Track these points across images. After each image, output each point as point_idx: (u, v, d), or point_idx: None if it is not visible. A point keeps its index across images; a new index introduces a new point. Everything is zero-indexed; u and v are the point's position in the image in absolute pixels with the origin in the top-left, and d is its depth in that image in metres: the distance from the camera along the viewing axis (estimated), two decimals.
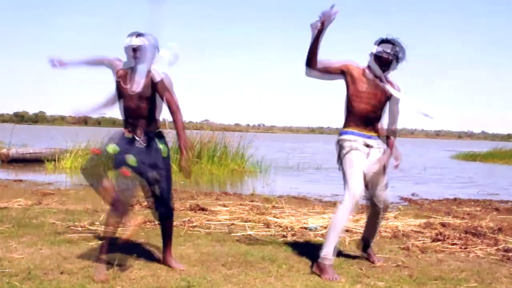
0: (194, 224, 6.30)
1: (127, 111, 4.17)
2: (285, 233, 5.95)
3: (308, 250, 5.20)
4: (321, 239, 5.77)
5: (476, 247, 5.59)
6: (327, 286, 3.97)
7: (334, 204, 8.72)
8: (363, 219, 6.97)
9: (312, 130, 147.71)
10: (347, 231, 6.21)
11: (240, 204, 8.07)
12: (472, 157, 29.57)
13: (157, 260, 4.52)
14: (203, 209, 7.33)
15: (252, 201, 8.63)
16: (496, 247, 5.55)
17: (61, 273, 4.07)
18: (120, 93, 4.18)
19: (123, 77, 4.16)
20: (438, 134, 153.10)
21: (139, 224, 5.68)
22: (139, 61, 4.05)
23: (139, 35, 4.10)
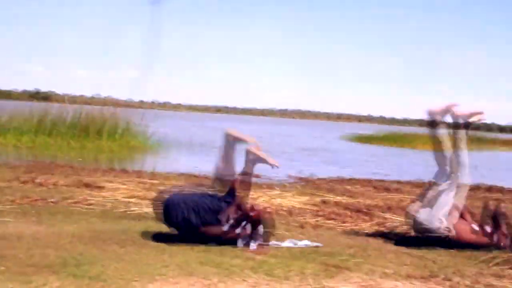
0: (75, 200, 6.13)
1: None
2: None
3: None
4: None
5: (365, 224, 5.86)
6: (207, 261, 4.01)
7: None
8: (261, 197, 7.10)
9: (218, 110, 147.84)
10: None
11: (139, 182, 7.96)
12: (369, 139, 30.86)
13: (47, 239, 4.37)
14: (99, 187, 7.16)
15: (151, 179, 8.54)
16: (384, 225, 5.84)
17: None
18: None
19: None
20: (339, 117, 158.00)
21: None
22: None
23: None
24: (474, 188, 10.04)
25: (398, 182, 10.63)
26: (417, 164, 17.03)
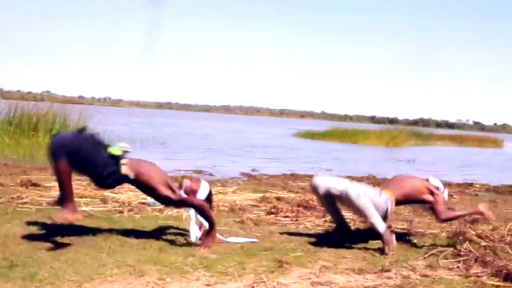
0: (25, 200, 5.95)
1: None
2: (121, 209, 5.84)
3: (144, 225, 5.17)
4: (158, 214, 5.76)
5: (306, 219, 5.92)
6: (159, 260, 3.96)
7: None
8: None
9: (160, 105, 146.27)
10: None
11: (77, 180, 7.75)
12: (311, 135, 31.31)
13: None
14: (35, 185, 6.94)
15: None
16: (323, 219, 5.91)
17: None
18: None
19: None
20: (282, 113, 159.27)
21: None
22: None
23: None
24: None
25: (350, 177, 10.74)
26: (360, 159, 17.39)
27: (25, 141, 14.55)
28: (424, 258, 4.53)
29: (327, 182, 4.98)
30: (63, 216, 4.15)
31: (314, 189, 5.05)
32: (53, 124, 15.39)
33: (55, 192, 6.47)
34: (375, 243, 4.84)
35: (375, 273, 4.02)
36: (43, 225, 4.88)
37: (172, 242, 4.54)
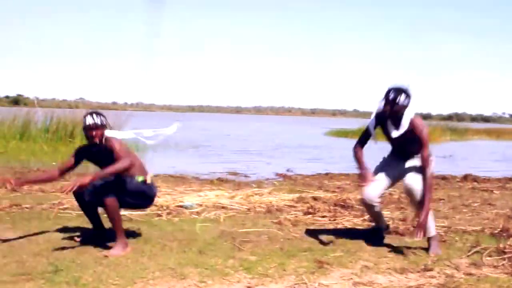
0: (65, 206, 6.05)
1: None
2: (160, 212, 5.89)
3: (183, 228, 5.20)
4: (196, 216, 5.79)
5: (344, 218, 5.88)
6: (200, 263, 3.98)
7: (211, 182, 8.78)
8: (238, 195, 7.09)
9: (192, 108, 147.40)
10: (222, 207, 6.30)
11: None
12: (344, 133, 31.05)
13: (23, 246, 4.30)
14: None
15: None
16: (362, 218, 5.86)
17: None
18: None
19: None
20: (314, 112, 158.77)
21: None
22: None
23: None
24: (449, 178, 10.17)
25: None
26: None
27: (62, 148, 14.81)
28: (468, 256, 4.45)
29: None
30: (116, 252, 4.20)
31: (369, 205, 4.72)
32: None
33: None
34: (415, 242, 4.77)
35: (418, 272, 3.96)
36: (84, 230, 4.96)
37: (211, 244, 4.56)
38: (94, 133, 4.37)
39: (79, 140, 15.12)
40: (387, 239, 4.92)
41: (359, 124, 34.23)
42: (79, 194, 4.38)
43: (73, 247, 4.32)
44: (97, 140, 4.39)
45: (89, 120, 4.37)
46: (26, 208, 5.93)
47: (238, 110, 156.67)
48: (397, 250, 4.57)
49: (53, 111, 16.12)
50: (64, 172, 4.58)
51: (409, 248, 4.64)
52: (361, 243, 4.76)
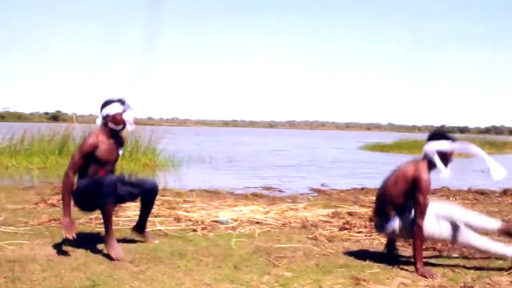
0: (102, 221, 6.11)
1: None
2: (195, 227, 5.91)
3: (218, 243, 5.20)
4: (231, 231, 5.79)
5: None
6: (236, 279, 3.98)
7: (245, 197, 8.79)
8: (273, 210, 7.07)
9: (225, 123, 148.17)
10: (257, 223, 6.29)
11: None
12: (379, 148, 30.80)
13: (61, 260, 4.36)
14: None
15: (163, 195, 8.50)
16: None
17: None
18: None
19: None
20: (348, 126, 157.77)
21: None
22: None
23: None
24: (488, 193, 9.95)
25: None
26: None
27: None
28: (509, 273, 4.33)
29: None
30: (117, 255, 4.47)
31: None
32: (126, 146, 15.88)
33: (131, 212, 6.66)
34: (454, 259, 4.67)
35: None
36: (121, 245, 5.00)
37: (246, 260, 4.55)
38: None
39: None
40: (426, 256, 4.82)
41: (394, 138, 33.99)
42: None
43: (109, 262, 4.37)
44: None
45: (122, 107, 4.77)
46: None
47: (272, 125, 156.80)
48: (435, 267, 4.48)
49: (91, 126, 16.42)
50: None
51: (447, 265, 4.54)
52: (397, 260, 4.68)
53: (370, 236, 5.72)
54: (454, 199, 9.08)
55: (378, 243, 5.46)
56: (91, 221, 6.06)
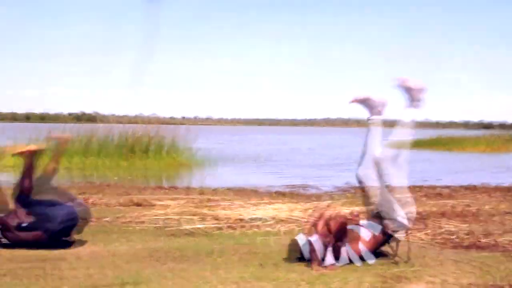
0: (128, 219, 6.19)
1: None
2: (221, 226, 5.94)
3: (244, 241, 5.22)
4: (256, 230, 5.80)
5: (420, 231, 5.71)
6: (262, 276, 3.98)
7: (270, 195, 8.79)
8: (297, 209, 7.07)
9: (247, 122, 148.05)
10: (282, 221, 6.29)
11: (176, 198, 8.00)
12: (416, 144, 30.38)
13: (90, 258, 4.42)
14: (137, 204, 7.22)
15: (188, 194, 8.57)
16: (425, 232, 5.72)
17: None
18: None
19: None
20: (383, 123, 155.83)
21: None
22: None
23: None
24: (505, 190, 9.80)
25: (449, 187, 10.32)
26: (468, 168, 16.65)
27: (123, 162, 15.24)
28: None
29: None
30: None
31: None
32: (162, 146, 16.10)
33: (157, 211, 6.72)
34: (481, 257, 4.61)
35: None
36: (147, 243, 5.06)
37: (272, 258, 4.54)
38: None
39: (153, 156, 15.57)
40: (454, 254, 4.77)
41: (431, 134, 33.55)
42: None
43: (137, 260, 4.41)
44: None
45: None
46: (91, 221, 6.09)
47: (294, 123, 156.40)
48: (462, 263, 4.43)
49: (127, 127, 16.66)
50: None
51: (475, 262, 4.49)
52: (425, 258, 4.63)
53: (410, 234, 5.65)
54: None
55: (413, 239, 5.40)
56: (117, 220, 6.13)
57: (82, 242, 5.00)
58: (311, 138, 47.11)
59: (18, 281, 3.79)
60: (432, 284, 3.90)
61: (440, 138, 30.82)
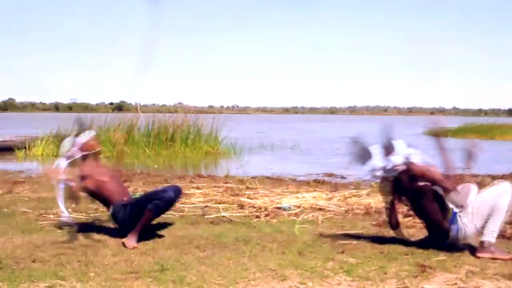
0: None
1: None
2: (258, 214, 5.98)
3: (282, 229, 5.25)
4: (294, 218, 5.82)
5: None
6: (300, 264, 4.00)
7: (307, 184, 8.80)
8: (335, 197, 7.05)
9: (286, 110, 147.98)
10: (320, 209, 6.29)
11: (214, 186, 8.08)
12: (444, 132, 29.88)
13: (121, 244, 4.53)
14: None
15: (226, 182, 8.64)
16: None
17: (33, 261, 4.04)
18: None
19: None
20: (410, 111, 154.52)
21: None
22: None
23: None
24: None
25: (490, 175, 10.04)
26: (498, 156, 16.35)
27: (163, 151, 15.43)
28: None
29: None
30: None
31: None
32: (188, 134, 16.19)
33: (196, 199, 6.80)
34: None
35: None
36: (187, 231, 5.14)
37: (310, 246, 4.57)
38: None
39: (179, 144, 15.69)
40: (498, 244, 4.69)
41: (459, 122, 33.00)
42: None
43: (176, 247, 4.49)
44: None
45: None
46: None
47: (332, 111, 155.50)
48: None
49: (155, 116, 16.83)
50: None
51: None
52: (464, 247, 4.57)
53: None
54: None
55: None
56: None
57: (109, 230, 5.10)
58: (348, 125, 46.74)
59: (61, 267, 3.91)
60: (471, 273, 3.86)
61: (480, 125, 30.22)
